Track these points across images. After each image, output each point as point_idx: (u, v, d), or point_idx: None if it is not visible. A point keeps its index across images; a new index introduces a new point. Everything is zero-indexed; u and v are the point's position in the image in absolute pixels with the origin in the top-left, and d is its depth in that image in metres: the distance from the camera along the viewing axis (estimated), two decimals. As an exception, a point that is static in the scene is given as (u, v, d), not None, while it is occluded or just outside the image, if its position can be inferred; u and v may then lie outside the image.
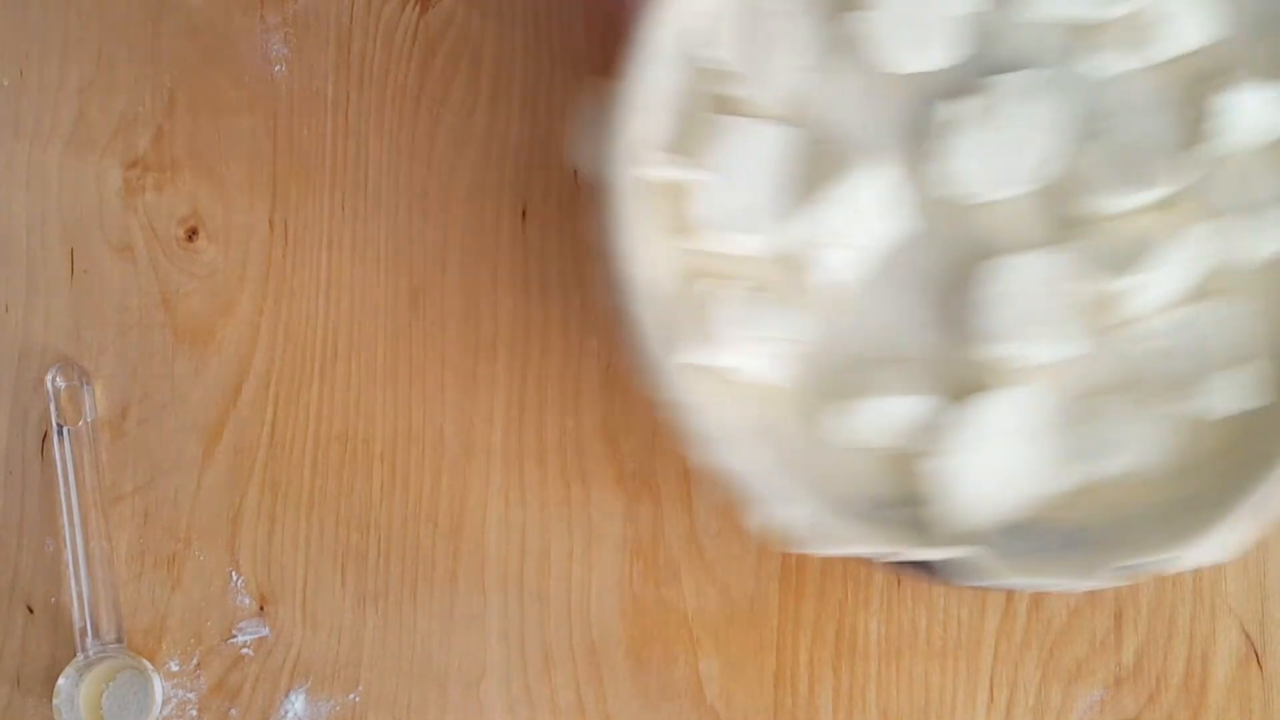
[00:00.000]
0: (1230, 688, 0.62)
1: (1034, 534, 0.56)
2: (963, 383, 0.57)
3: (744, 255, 0.57)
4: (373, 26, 0.66)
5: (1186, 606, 0.62)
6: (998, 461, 0.56)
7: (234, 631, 0.63)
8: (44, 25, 0.66)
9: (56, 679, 0.61)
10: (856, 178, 0.56)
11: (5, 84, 0.66)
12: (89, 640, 0.62)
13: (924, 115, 0.58)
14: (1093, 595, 0.62)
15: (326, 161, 0.65)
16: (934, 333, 0.58)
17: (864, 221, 0.56)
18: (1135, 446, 0.57)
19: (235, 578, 0.63)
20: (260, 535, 0.63)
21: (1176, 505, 0.56)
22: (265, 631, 0.63)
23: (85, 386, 0.64)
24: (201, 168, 0.66)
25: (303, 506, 0.63)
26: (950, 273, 0.58)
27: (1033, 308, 0.56)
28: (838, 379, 0.57)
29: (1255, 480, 0.54)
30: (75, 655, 0.61)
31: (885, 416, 0.56)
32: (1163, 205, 0.57)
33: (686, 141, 0.58)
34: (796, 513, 0.54)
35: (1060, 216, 0.58)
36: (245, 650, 0.63)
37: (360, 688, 0.63)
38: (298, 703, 0.62)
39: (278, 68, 0.66)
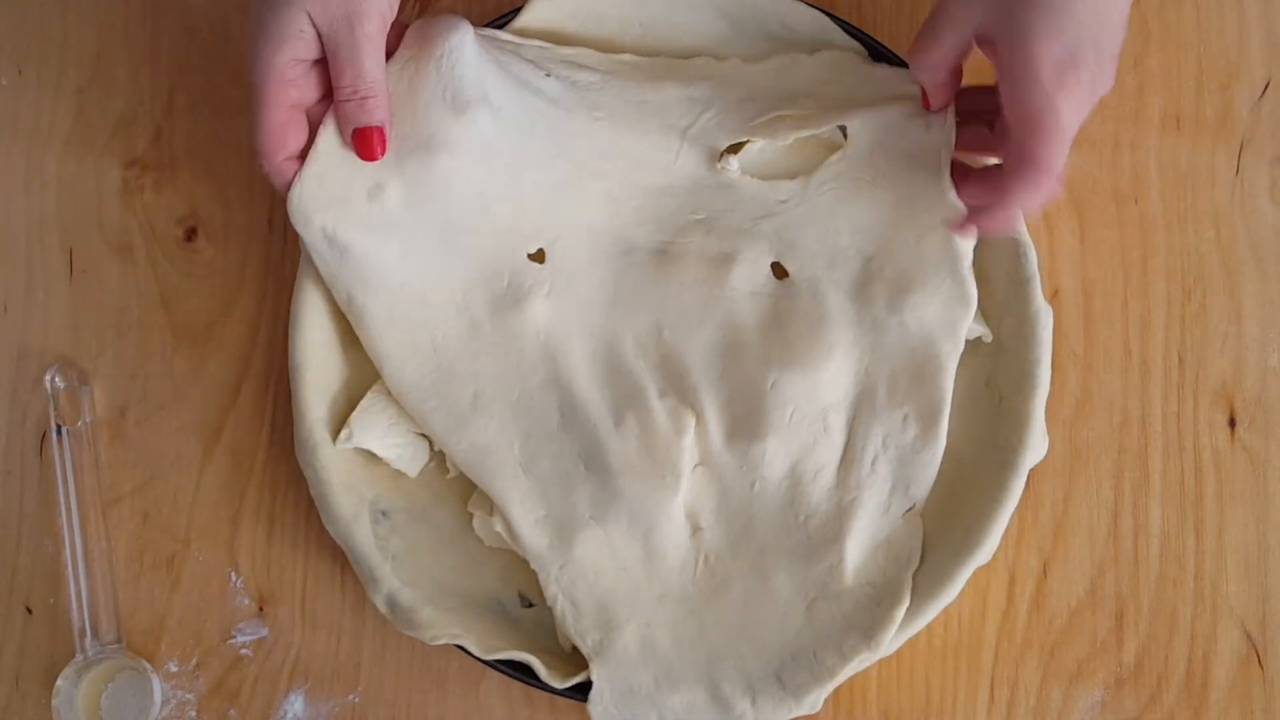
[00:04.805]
0: (1231, 688, 0.62)
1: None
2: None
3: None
4: (373, 26, 0.66)
5: (1187, 607, 0.62)
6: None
7: (233, 632, 0.63)
8: (44, 25, 0.66)
9: (56, 679, 0.61)
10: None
11: (5, 84, 0.66)
12: (88, 640, 0.61)
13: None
14: (1094, 595, 0.62)
15: (326, 161, 0.65)
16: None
17: None
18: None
19: (235, 578, 0.63)
20: (260, 535, 0.63)
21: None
22: (264, 632, 0.63)
23: (84, 386, 0.64)
24: (200, 168, 0.66)
25: (302, 506, 0.63)
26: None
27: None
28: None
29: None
30: (75, 655, 0.61)
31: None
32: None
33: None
34: (398, 598, 0.58)
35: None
36: (244, 651, 0.63)
37: (360, 688, 0.62)
38: (297, 703, 0.62)
39: (277, 68, 0.66)
